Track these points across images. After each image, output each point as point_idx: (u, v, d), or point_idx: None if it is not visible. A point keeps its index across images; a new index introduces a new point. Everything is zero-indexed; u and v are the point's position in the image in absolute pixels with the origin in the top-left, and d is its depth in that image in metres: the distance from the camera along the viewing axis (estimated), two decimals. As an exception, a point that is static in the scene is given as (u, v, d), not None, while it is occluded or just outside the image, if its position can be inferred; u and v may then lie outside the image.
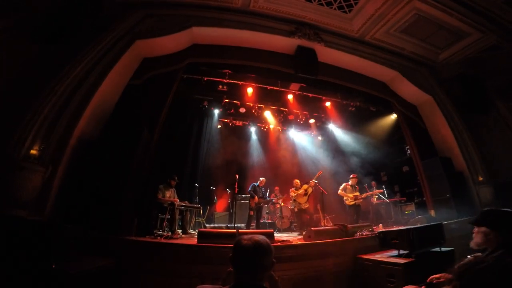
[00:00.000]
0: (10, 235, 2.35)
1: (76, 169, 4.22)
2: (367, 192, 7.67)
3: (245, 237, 1.40)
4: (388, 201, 7.84)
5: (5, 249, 2.19)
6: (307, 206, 6.95)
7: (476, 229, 2.08)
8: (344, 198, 7.25)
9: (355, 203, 7.10)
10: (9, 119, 3.69)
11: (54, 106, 4.00)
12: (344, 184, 7.40)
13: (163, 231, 5.11)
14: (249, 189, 7.19)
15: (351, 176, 7.55)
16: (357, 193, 7.20)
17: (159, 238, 4.42)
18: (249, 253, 1.32)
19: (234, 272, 1.38)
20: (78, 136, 4.31)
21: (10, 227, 2.44)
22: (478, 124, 7.19)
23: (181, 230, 5.73)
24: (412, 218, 7.06)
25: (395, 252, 3.87)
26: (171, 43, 5.67)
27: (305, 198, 6.84)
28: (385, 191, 8.07)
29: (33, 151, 3.79)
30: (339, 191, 7.27)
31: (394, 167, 9.63)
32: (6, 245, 2.24)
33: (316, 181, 7.22)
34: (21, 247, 2.22)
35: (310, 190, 6.93)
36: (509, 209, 1.90)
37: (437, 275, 2.03)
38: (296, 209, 6.97)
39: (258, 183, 7.37)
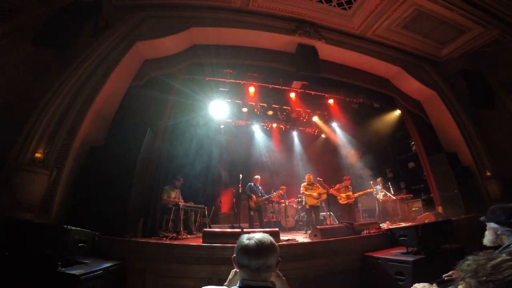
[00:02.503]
0: (17, 238, 2.35)
1: (81, 171, 4.24)
2: (368, 189, 7.81)
3: (247, 236, 1.36)
4: (394, 198, 7.76)
5: (12, 251, 2.19)
6: (318, 204, 6.94)
7: (487, 226, 2.03)
8: (338, 198, 7.48)
9: (347, 202, 7.42)
10: (13, 123, 3.72)
11: (57, 109, 4.03)
12: (338, 185, 7.68)
13: (168, 232, 5.10)
14: (246, 190, 7.14)
15: (344, 178, 7.85)
16: (350, 193, 7.49)
17: (164, 239, 4.41)
18: (252, 253, 1.28)
19: (239, 273, 1.34)
20: (81, 139, 4.33)
21: (17, 230, 2.44)
22: (484, 119, 7.09)
23: (186, 231, 5.72)
24: (419, 215, 6.98)
25: (403, 250, 3.81)
26: (171, 44, 5.67)
27: (316, 201, 6.80)
28: (391, 188, 7.99)
29: (38, 154, 3.82)
30: (334, 191, 7.43)
31: (400, 163, 9.53)
32: (13, 248, 2.24)
33: (321, 179, 7.18)
34: (28, 250, 2.23)
35: (324, 196, 6.91)
36: None
37: (449, 273, 1.98)
38: (307, 206, 6.91)
39: (253, 182, 7.33)
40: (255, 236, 1.34)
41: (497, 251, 1.89)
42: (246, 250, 1.29)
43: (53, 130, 3.99)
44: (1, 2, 3.73)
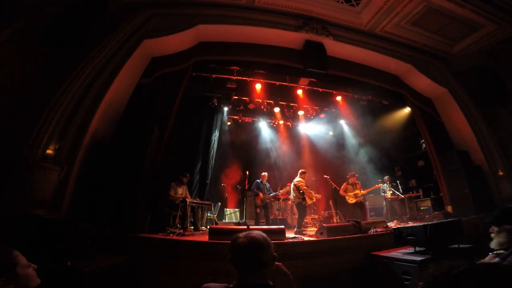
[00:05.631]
0: (29, 234, 2.41)
1: (90, 168, 4.31)
2: (375, 185, 7.71)
3: (241, 234, 1.35)
4: (402, 196, 7.66)
5: (24, 247, 2.24)
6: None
7: (496, 229, 1.97)
8: (346, 198, 7.32)
9: (356, 201, 7.18)
10: (25, 120, 3.80)
11: (67, 107, 4.10)
12: (344, 184, 7.41)
13: (175, 228, 5.17)
14: (252, 187, 7.12)
15: (349, 174, 7.58)
16: (357, 191, 7.23)
17: (171, 235, 4.48)
18: (245, 250, 1.27)
19: (237, 272, 1.33)
20: (91, 136, 4.40)
21: (29, 226, 2.50)
22: (496, 117, 6.90)
23: (192, 227, 5.78)
24: (428, 214, 6.88)
25: (411, 249, 3.76)
26: (178, 41, 5.68)
27: (310, 201, 6.60)
28: (400, 186, 7.89)
29: (49, 151, 3.90)
30: (341, 192, 7.29)
31: (409, 161, 9.38)
32: (25, 244, 2.30)
33: (328, 177, 7.12)
34: (39, 246, 2.28)
35: (315, 200, 6.61)
36: None
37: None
38: (306, 204, 6.70)
39: (260, 179, 7.30)
40: (248, 234, 1.34)
41: (507, 253, 1.84)
42: (239, 248, 1.29)
43: (63, 127, 4.07)
44: (8, 3, 3.79)
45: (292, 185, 6.56)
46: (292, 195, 6.56)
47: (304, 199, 6.22)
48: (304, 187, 6.32)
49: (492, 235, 1.99)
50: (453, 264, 0.73)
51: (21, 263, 1.31)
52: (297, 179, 6.50)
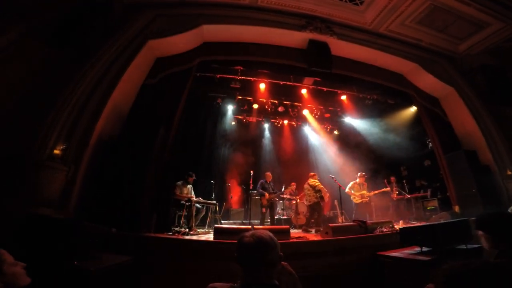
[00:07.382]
0: (35, 234, 2.44)
1: (96, 168, 4.36)
2: (383, 188, 7.56)
3: (247, 233, 1.34)
4: (409, 196, 7.57)
5: (30, 247, 2.27)
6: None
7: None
8: (352, 197, 7.28)
9: (361, 201, 7.17)
10: (32, 121, 3.85)
11: (74, 108, 4.15)
12: (351, 183, 7.40)
13: (181, 227, 5.19)
14: (258, 187, 7.14)
15: (358, 174, 7.54)
16: (364, 192, 7.22)
17: (176, 234, 4.50)
18: (251, 250, 1.26)
19: (242, 271, 1.31)
20: (97, 136, 4.45)
21: (35, 226, 2.54)
22: (505, 116, 6.80)
23: (198, 227, 5.80)
24: (434, 214, 6.80)
25: (417, 249, 3.72)
26: (182, 42, 5.71)
27: (327, 198, 6.69)
28: (406, 186, 7.80)
29: (56, 151, 3.95)
30: (347, 190, 7.25)
31: (415, 161, 9.27)
32: (32, 243, 2.33)
33: (333, 177, 7.09)
34: (45, 245, 2.30)
35: (324, 195, 6.71)
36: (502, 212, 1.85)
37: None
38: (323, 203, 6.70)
39: (265, 179, 7.31)
40: (255, 233, 1.33)
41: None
42: (245, 248, 1.28)
43: (70, 127, 4.12)
44: (15, 3, 3.85)
45: (306, 186, 6.80)
46: (307, 195, 6.76)
47: (322, 197, 6.47)
48: (321, 186, 6.59)
49: None
50: (467, 262, 0.73)
51: (8, 261, 1.31)
52: (310, 180, 6.74)
